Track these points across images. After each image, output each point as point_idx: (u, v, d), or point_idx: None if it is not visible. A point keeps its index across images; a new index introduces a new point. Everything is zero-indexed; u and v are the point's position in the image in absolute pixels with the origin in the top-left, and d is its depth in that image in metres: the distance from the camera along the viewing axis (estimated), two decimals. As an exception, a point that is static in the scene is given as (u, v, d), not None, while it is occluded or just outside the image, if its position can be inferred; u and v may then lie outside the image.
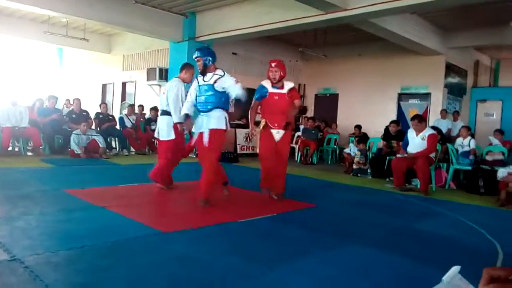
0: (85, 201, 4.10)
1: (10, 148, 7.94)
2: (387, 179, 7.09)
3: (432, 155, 6.25)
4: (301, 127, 10.56)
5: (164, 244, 2.92)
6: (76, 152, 7.82)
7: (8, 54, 15.05)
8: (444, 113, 9.84)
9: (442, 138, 7.33)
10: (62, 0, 8.11)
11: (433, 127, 7.31)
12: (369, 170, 7.76)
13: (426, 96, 10.58)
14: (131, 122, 9.55)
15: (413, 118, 6.43)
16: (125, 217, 3.57)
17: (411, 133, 6.32)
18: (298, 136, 10.29)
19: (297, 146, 9.93)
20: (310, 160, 9.51)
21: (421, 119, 6.34)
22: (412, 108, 10.80)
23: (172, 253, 2.74)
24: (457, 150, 7.11)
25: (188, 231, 3.29)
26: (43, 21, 11.26)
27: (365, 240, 3.36)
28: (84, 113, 8.85)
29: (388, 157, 7.42)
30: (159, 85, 11.12)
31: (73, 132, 7.95)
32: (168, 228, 3.28)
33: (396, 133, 7.94)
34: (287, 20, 7.97)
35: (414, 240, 3.48)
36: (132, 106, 10.24)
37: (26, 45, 14.34)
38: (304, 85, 13.36)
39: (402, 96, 11.07)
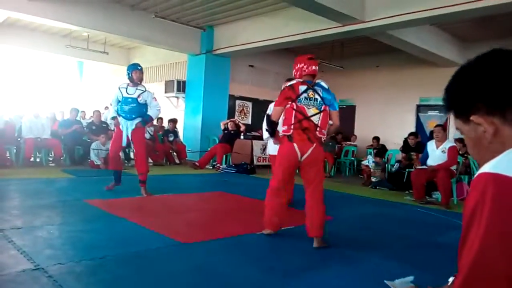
0: (105, 211, 4.15)
1: (32, 159, 8.12)
2: (407, 192, 6.98)
3: (453, 167, 6.14)
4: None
5: (183, 255, 2.93)
6: (96, 163, 7.94)
7: (31, 67, 15.51)
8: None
9: (466, 150, 7.18)
10: (84, 15, 8.36)
11: (460, 140, 7.18)
12: (380, 183, 7.64)
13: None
14: (149, 133, 9.67)
15: (436, 125, 6.36)
16: (145, 228, 3.60)
17: (431, 146, 6.23)
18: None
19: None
20: (329, 174, 9.43)
21: (444, 129, 6.26)
22: (432, 119, 10.66)
23: (192, 264, 2.74)
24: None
25: (207, 242, 3.29)
26: (64, 35, 11.61)
27: (385, 253, 3.30)
28: (103, 125, 9.01)
29: (407, 170, 7.32)
30: (177, 97, 11.27)
31: (92, 144, 8.09)
32: (187, 239, 3.29)
33: (415, 145, 7.84)
34: (304, 33, 8.02)
35: (436, 254, 3.40)
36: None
37: (48, 58, 14.76)
38: (321, 96, 13.33)
39: (420, 108, 10.94)
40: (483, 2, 5.61)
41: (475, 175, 0.76)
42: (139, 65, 5.35)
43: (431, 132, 6.70)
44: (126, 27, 9.00)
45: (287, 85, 3.56)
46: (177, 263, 2.73)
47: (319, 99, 3.46)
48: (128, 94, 5.15)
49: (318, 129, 3.41)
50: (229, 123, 9.64)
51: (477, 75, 0.81)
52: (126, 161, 8.67)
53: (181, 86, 10.86)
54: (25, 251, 2.70)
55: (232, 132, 9.50)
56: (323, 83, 3.60)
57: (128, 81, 5.25)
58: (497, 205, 0.68)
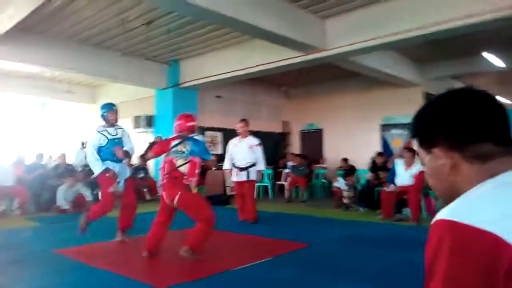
0: (76, 260, 4.00)
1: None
2: (378, 211, 7.12)
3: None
4: (289, 163, 10.64)
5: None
6: (62, 207, 7.68)
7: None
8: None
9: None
10: (48, 56, 8.24)
11: None
12: (352, 204, 7.78)
13: (408, 126, 10.78)
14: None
15: (408, 150, 6.53)
16: (119, 275, 3.49)
17: (399, 166, 6.43)
18: (288, 173, 10.33)
19: (287, 183, 9.95)
20: (302, 197, 9.49)
21: (414, 154, 6.44)
22: (396, 138, 11.02)
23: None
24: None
25: (186, 284, 3.22)
26: (27, 76, 11.35)
27: (362, 277, 3.35)
28: (69, 168, 8.77)
29: (376, 189, 7.49)
30: (146, 132, 11.16)
31: (60, 188, 7.84)
32: (164, 283, 3.21)
33: (382, 164, 8.07)
34: (268, 63, 8.20)
35: (408, 272, 3.46)
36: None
37: (9, 99, 14.34)
38: (289, 122, 13.58)
39: (385, 127, 11.31)
40: (434, 28, 5.95)
41: (434, 220, 0.76)
42: (114, 105, 5.13)
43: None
44: (91, 65, 8.92)
45: (163, 138, 4.34)
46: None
47: (186, 151, 4.00)
48: (112, 135, 4.93)
49: (184, 177, 3.94)
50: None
51: (441, 110, 0.84)
52: (95, 202, 8.42)
53: (150, 121, 10.78)
54: (-8, 314, 2.56)
55: (203, 164, 9.45)
56: (196, 137, 4.21)
57: (103, 122, 5.03)
58: (454, 255, 0.69)
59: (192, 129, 4.18)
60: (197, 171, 4.02)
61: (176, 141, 4.05)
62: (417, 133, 0.90)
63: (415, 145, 6.87)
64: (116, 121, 5.09)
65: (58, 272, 3.59)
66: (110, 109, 5.02)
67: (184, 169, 3.94)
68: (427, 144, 0.87)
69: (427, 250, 0.76)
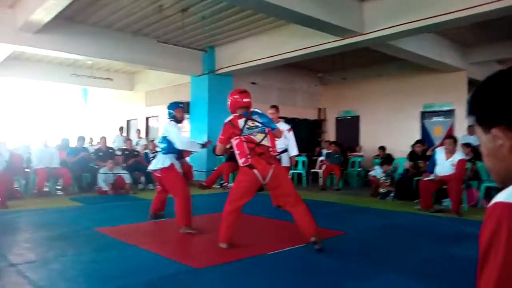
0: (116, 239, 4.16)
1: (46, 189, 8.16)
2: (416, 201, 6.92)
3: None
4: (324, 151, 10.52)
5: (197, 281, 2.92)
6: (103, 189, 7.99)
7: (37, 97, 15.75)
8: (471, 129, 9.62)
9: (476, 155, 7.10)
10: (88, 44, 8.52)
11: (467, 144, 7.13)
12: (392, 194, 7.60)
13: (450, 113, 10.39)
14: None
15: (449, 137, 6.29)
16: (157, 254, 3.60)
17: (439, 155, 6.18)
18: (322, 161, 10.23)
19: (321, 171, 9.86)
20: (337, 186, 9.38)
21: (455, 141, 6.20)
22: (437, 125, 10.63)
23: (206, 290, 2.74)
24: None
25: (220, 266, 3.28)
26: (69, 64, 11.81)
27: (400, 269, 3.27)
28: (110, 151, 9.08)
29: (415, 178, 7.27)
30: (182, 118, 11.35)
31: (100, 170, 8.15)
32: (200, 264, 3.29)
33: (422, 153, 7.80)
34: (304, 48, 8.09)
35: (451, 267, 3.36)
36: (152, 141, 10.43)
37: (53, 87, 15.00)
38: (325, 109, 13.39)
39: (425, 115, 10.92)
40: (480, 8, 5.64)
41: (490, 203, 0.75)
42: (181, 103, 5.27)
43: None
44: (128, 53, 9.15)
45: (225, 121, 3.94)
46: (191, 290, 2.73)
47: (259, 125, 3.85)
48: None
49: (270, 149, 3.80)
50: (234, 141, 9.67)
51: (505, 89, 0.80)
52: (134, 185, 8.71)
53: (186, 107, 10.94)
54: (41, 286, 2.71)
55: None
56: (257, 110, 4.02)
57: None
58: None
59: (249, 105, 3.96)
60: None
61: (243, 119, 3.83)
62: (477, 112, 0.85)
63: (459, 131, 6.60)
64: (183, 119, 5.21)
65: (100, 249, 3.75)
66: (177, 107, 5.08)
67: (266, 142, 3.78)
68: (486, 123, 0.83)
69: (483, 233, 0.74)
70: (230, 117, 3.91)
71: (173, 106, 5.06)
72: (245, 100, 3.93)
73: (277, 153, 3.86)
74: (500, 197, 0.73)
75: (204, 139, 6.07)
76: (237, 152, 3.76)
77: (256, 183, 3.73)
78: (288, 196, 3.77)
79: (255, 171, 3.66)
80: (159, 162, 4.77)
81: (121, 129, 11.99)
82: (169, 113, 5.02)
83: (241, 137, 3.74)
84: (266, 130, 3.83)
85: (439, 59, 9.04)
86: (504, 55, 9.71)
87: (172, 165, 4.72)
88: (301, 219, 3.70)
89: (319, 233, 3.67)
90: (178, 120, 5.01)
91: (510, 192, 0.73)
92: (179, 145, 4.75)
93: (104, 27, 8.61)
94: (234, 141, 3.78)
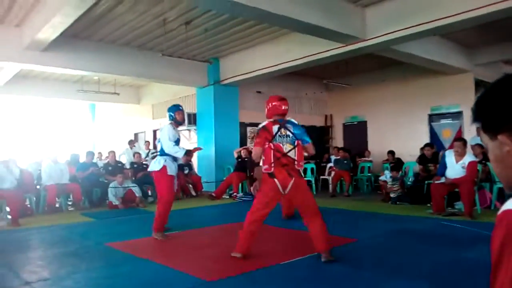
0: (128, 253, 4.16)
1: (57, 205, 8.21)
2: (428, 205, 6.85)
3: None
4: (333, 157, 10.48)
5: (210, 295, 2.90)
6: (114, 203, 8.02)
7: (44, 114, 15.94)
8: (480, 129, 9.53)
9: (486, 157, 7.02)
10: (94, 60, 8.65)
11: (479, 145, 7.05)
12: (400, 196, 7.53)
13: (458, 115, 10.31)
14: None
15: (458, 140, 6.24)
16: (169, 267, 3.59)
17: (449, 158, 6.12)
18: (331, 167, 10.19)
19: (331, 177, 9.81)
20: (347, 192, 9.31)
21: (465, 143, 6.14)
22: (445, 128, 10.55)
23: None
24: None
25: (232, 278, 3.26)
26: (76, 81, 11.96)
27: (413, 275, 3.22)
28: (119, 165, 9.13)
29: (426, 182, 7.20)
30: (189, 130, 11.41)
31: (110, 185, 8.19)
32: (212, 277, 3.27)
33: (432, 156, 7.74)
34: (307, 56, 8.11)
35: (465, 271, 3.31)
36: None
37: (61, 104, 15.18)
38: (331, 115, 13.37)
39: (433, 117, 10.85)
40: (483, 10, 5.62)
41: (500, 211, 0.74)
42: (180, 106, 5.39)
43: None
44: (134, 67, 9.26)
45: (260, 127, 3.91)
46: (204, 304, 2.71)
47: (291, 135, 3.81)
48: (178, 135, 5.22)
49: (296, 163, 3.76)
50: (242, 151, 9.68)
51: (509, 95, 0.79)
52: (143, 198, 8.73)
53: (192, 119, 11.00)
54: (54, 304, 2.71)
55: (245, 159, 9.52)
56: (293, 120, 3.96)
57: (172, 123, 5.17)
58: None
59: (285, 113, 3.92)
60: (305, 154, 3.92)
61: (277, 126, 3.81)
62: (482, 118, 0.84)
63: (467, 133, 6.54)
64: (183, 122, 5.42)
65: (112, 265, 3.75)
66: (177, 109, 5.24)
67: (292, 154, 3.76)
68: (492, 130, 0.82)
69: (494, 240, 0.74)
70: (265, 123, 3.91)
71: (174, 108, 5.24)
72: (283, 107, 3.91)
73: (301, 167, 3.82)
74: (510, 205, 0.73)
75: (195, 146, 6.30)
76: (262, 157, 3.79)
77: (277, 193, 3.74)
78: (307, 208, 3.77)
79: (275, 180, 3.68)
80: (154, 164, 5.03)
81: (130, 142, 12.03)
82: (170, 116, 5.21)
83: (271, 144, 3.74)
84: (296, 142, 3.81)
85: (444, 61, 9.00)
86: (510, 55, 9.64)
87: (163, 168, 4.88)
88: (315, 233, 3.69)
89: (330, 249, 3.66)
90: (179, 122, 5.21)
91: None
92: (165, 148, 4.94)
93: (109, 43, 8.73)
94: (265, 146, 3.77)
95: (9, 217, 6.48)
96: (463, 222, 5.46)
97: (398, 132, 11.27)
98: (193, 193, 9.99)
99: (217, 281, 3.18)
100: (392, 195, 7.72)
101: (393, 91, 11.47)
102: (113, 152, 9.38)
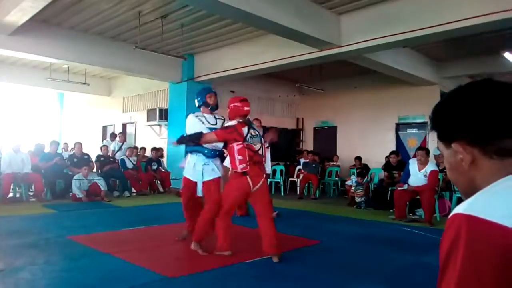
0: (89, 247, 4.07)
1: (11, 195, 7.92)
2: (391, 211, 7.06)
3: (434, 184, 6.27)
4: (301, 160, 10.61)
5: (170, 291, 2.89)
6: (77, 196, 7.81)
7: (9, 101, 15.31)
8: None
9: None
10: (65, 48, 8.37)
11: (440, 155, 7.31)
12: (362, 201, 7.75)
13: (424, 125, 10.69)
14: (132, 163, 9.60)
15: (421, 149, 6.45)
16: (130, 262, 3.55)
17: (413, 166, 6.34)
18: (299, 170, 10.31)
19: (299, 180, 9.94)
20: (314, 195, 9.45)
21: (428, 153, 6.36)
22: (411, 137, 10.90)
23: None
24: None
25: (194, 275, 3.26)
26: (45, 68, 11.55)
27: (375, 278, 3.32)
28: (85, 157, 8.90)
29: (390, 188, 7.43)
30: (159, 125, 11.26)
31: (75, 177, 7.97)
32: (174, 273, 3.25)
33: (396, 164, 7.99)
34: (282, 58, 8.18)
35: (424, 275, 3.43)
36: (132, 148, 10.26)
37: (27, 91, 14.62)
38: (302, 118, 13.54)
39: (400, 126, 11.19)
40: (452, 25, 5.85)
41: (450, 215, 0.75)
42: (212, 89, 4.57)
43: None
44: (106, 58, 9.04)
45: (228, 124, 4.02)
46: (164, 299, 2.70)
47: (258, 134, 4.01)
48: (210, 124, 4.19)
49: (264, 160, 4.00)
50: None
51: (463, 105, 0.81)
52: (109, 192, 8.55)
53: (164, 114, 10.86)
54: (7, 296, 2.63)
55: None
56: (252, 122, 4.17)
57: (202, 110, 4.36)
58: (470, 249, 0.68)
59: (248, 114, 4.01)
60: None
61: (246, 127, 3.88)
62: (437, 127, 0.87)
63: (432, 143, 6.77)
64: (217, 107, 4.43)
65: (72, 258, 3.66)
66: (209, 92, 4.39)
67: (261, 152, 3.94)
68: (447, 138, 0.85)
69: (443, 242, 0.75)
70: (234, 123, 3.94)
71: (203, 92, 4.36)
72: (245, 108, 4.00)
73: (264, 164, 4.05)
74: (459, 209, 0.74)
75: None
76: (238, 157, 3.78)
77: (247, 189, 3.81)
78: (263, 207, 3.87)
79: (247, 177, 3.77)
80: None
81: (112, 135, 11.55)
82: (199, 101, 4.33)
83: (244, 144, 3.81)
84: (263, 140, 4.02)
85: (413, 72, 9.31)
86: (476, 71, 10.08)
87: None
88: (266, 232, 3.77)
89: (280, 251, 3.72)
90: (212, 108, 4.34)
91: (468, 204, 0.74)
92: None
93: (81, 31, 8.49)
94: (237, 146, 3.80)
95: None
96: (423, 228, 5.66)
97: (366, 138, 11.55)
98: (161, 189, 9.88)
99: (179, 277, 3.17)
100: (357, 200, 7.91)
101: (364, 99, 11.75)
102: (80, 143, 9.13)
